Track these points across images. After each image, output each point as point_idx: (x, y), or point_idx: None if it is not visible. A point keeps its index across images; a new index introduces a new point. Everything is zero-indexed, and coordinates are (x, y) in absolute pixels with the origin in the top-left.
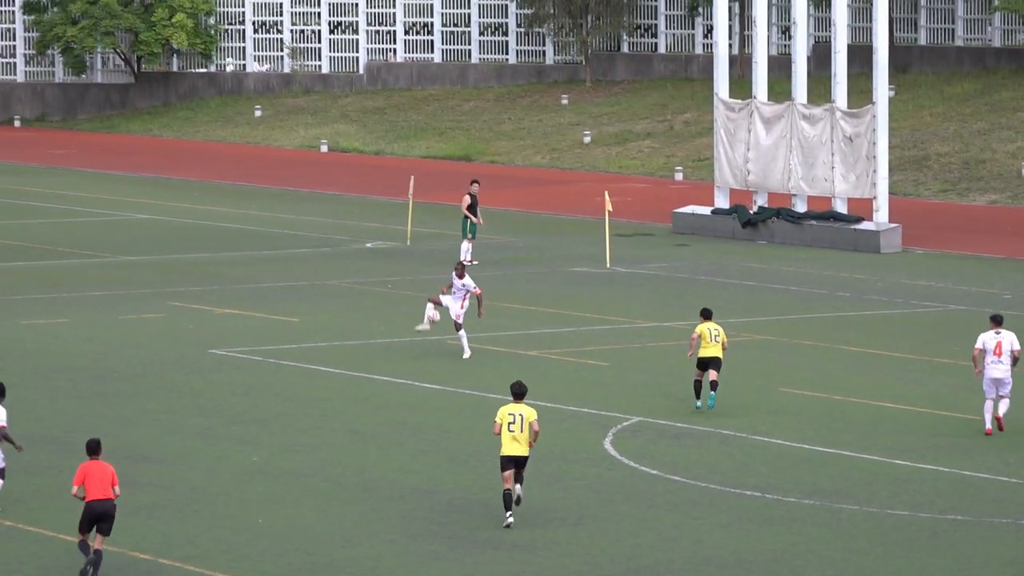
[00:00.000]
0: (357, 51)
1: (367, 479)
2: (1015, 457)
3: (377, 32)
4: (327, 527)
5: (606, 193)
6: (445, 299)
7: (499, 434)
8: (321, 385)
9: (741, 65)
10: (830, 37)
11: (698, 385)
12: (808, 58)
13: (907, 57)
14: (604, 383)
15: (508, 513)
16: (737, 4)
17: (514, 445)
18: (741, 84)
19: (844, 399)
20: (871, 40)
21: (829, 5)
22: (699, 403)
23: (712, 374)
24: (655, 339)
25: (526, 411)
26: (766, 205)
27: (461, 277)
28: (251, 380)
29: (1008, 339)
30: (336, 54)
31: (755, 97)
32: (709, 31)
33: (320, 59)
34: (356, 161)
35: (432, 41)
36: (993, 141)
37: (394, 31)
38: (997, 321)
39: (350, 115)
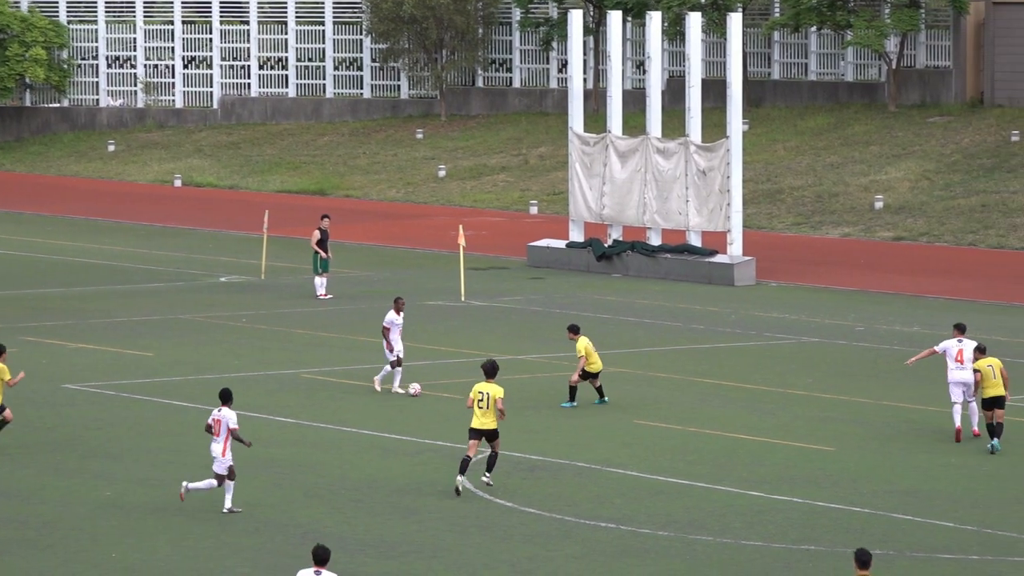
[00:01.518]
0: (211, 86)
1: (221, 513)
2: (867, 487)
3: (231, 67)
4: (181, 561)
5: (460, 227)
6: (395, 339)
7: (471, 407)
8: (175, 419)
9: (596, 99)
10: (684, 71)
11: (573, 391)
12: (663, 92)
13: (761, 91)
14: (459, 416)
15: (460, 477)
16: (591, 39)
17: (480, 420)
18: (596, 118)
19: (698, 431)
20: (725, 74)
21: (683, 40)
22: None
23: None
24: (510, 372)
25: (493, 389)
26: (621, 239)
27: (400, 312)
28: (104, 414)
29: (969, 347)
30: (190, 89)
31: (610, 131)
32: (563, 65)
33: (174, 94)
34: (210, 196)
35: (286, 76)
36: (846, 175)
37: (248, 66)
38: (961, 329)
39: (204, 149)
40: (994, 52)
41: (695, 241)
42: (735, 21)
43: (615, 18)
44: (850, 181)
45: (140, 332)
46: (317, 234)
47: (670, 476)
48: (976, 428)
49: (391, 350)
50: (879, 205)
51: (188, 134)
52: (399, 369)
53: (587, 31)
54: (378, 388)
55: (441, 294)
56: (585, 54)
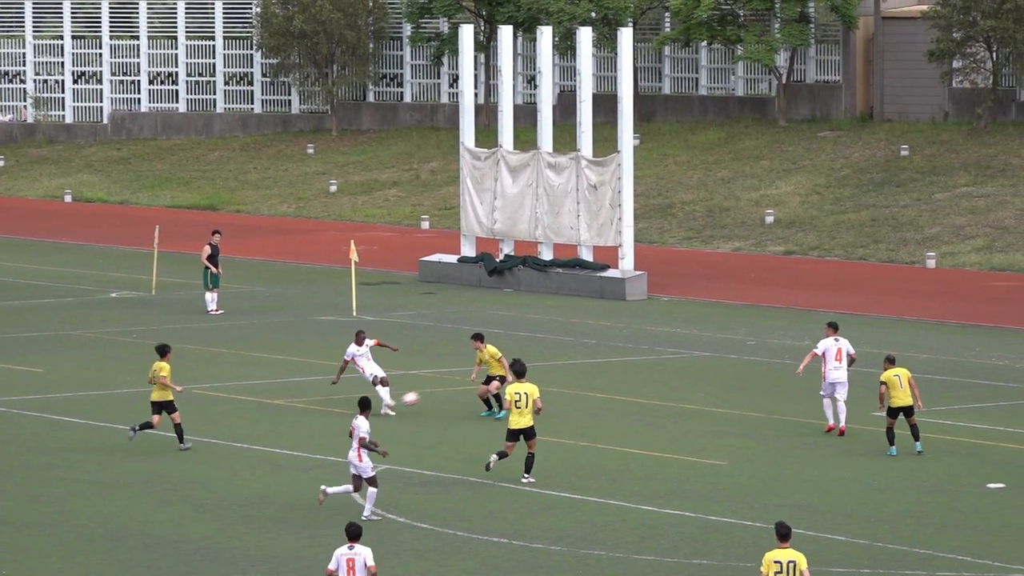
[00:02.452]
0: (101, 101)
1: (112, 529)
2: (759, 501)
3: (121, 82)
4: None
5: (351, 242)
6: (363, 364)
7: (509, 409)
8: (66, 435)
9: (487, 114)
10: (575, 86)
11: (486, 399)
12: (554, 107)
13: (652, 106)
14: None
15: (495, 456)
16: (483, 54)
17: (519, 419)
18: (487, 133)
19: (590, 445)
20: (616, 89)
21: (574, 54)
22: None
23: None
24: (402, 387)
25: (529, 389)
26: (512, 253)
27: (361, 344)
28: None
29: (845, 345)
30: (80, 104)
31: (501, 146)
32: (454, 80)
33: (64, 109)
34: (100, 211)
35: (177, 91)
36: (737, 189)
37: (138, 81)
38: (834, 328)
39: (94, 165)
40: (883, 67)
41: (587, 256)
42: (625, 36)
43: (506, 33)
44: (741, 195)
45: (30, 348)
46: (208, 249)
47: (562, 491)
48: (842, 424)
49: (366, 373)
50: (770, 219)
51: (78, 149)
52: (386, 388)
53: (478, 46)
54: (391, 412)
55: (332, 309)
56: (476, 69)
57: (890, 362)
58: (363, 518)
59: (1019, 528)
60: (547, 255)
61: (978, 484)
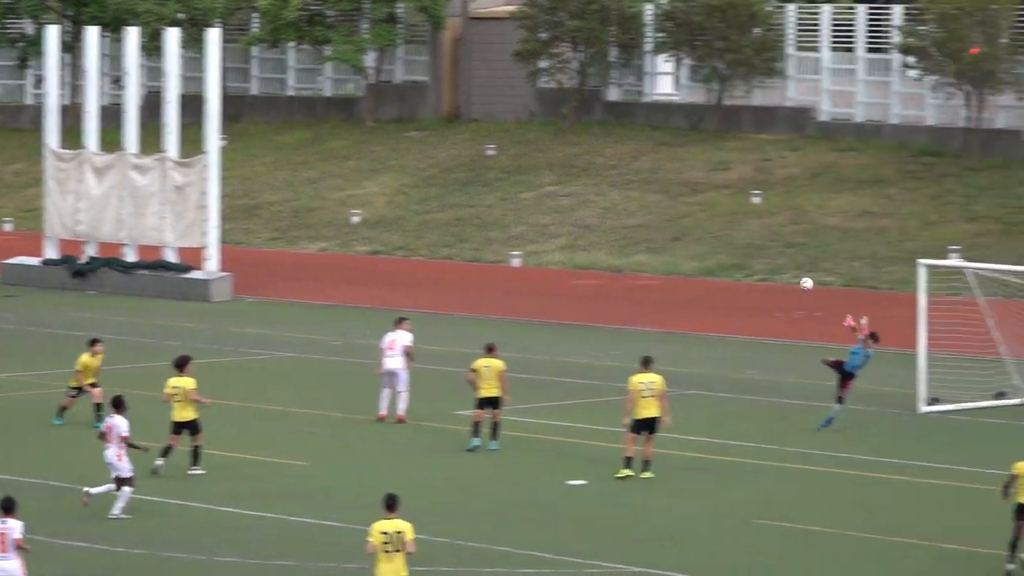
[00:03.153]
0: None
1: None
2: (341, 502)
3: None
4: None
5: None
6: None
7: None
8: None
9: (73, 115)
10: (162, 87)
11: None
12: (141, 108)
13: (239, 107)
14: None
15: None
16: (69, 55)
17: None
18: (73, 134)
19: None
20: (203, 90)
21: (161, 55)
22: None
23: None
24: None
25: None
26: (97, 255)
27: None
28: None
29: (400, 336)
30: None
31: (86, 147)
32: (39, 81)
33: None
34: None
35: None
36: (323, 189)
37: None
38: (398, 322)
39: None
40: (471, 67)
41: (172, 257)
42: (212, 36)
43: (92, 34)
44: (328, 196)
45: None
46: None
47: (142, 494)
48: (399, 413)
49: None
50: (356, 220)
51: None
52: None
53: (65, 47)
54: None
55: None
56: (62, 70)
57: (489, 351)
58: (111, 516)
59: (599, 524)
60: (131, 257)
61: (559, 481)
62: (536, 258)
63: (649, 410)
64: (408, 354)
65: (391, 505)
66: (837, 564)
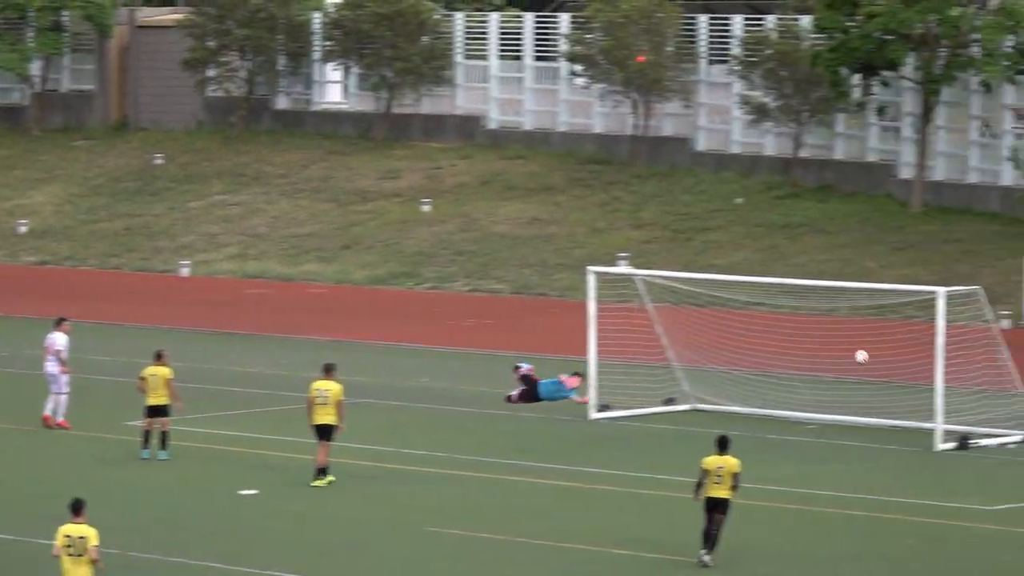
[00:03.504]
0: None
1: None
2: (14, 512)
3: None
4: None
5: None
6: None
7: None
8: None
9: None
10: None
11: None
12: None
13: None
14: None
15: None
16: None
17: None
18: None
19: None
20: None
21: None
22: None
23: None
24: None
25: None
26: None
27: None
28: None
29: (55, 340)
30: None
31: None
32: None
33: None
34: None
35: None
36: None
37: None
38: (57, 323)
39: None
40: (139, 76)
41: None
42: None
43: None
44: None
45: None
46: None
47: None
48: (59, 419)
49: None
50: (23, 229)
51: None
52: None
53: None
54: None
55: None
56: None
57: (157, 358)
58: None
59: (273, 532)
60: None
61: (231, 490)
62: (206, 267)
63: (324, 417)
64: (59, 357)
65: (77, 509)
66: (511, 570)
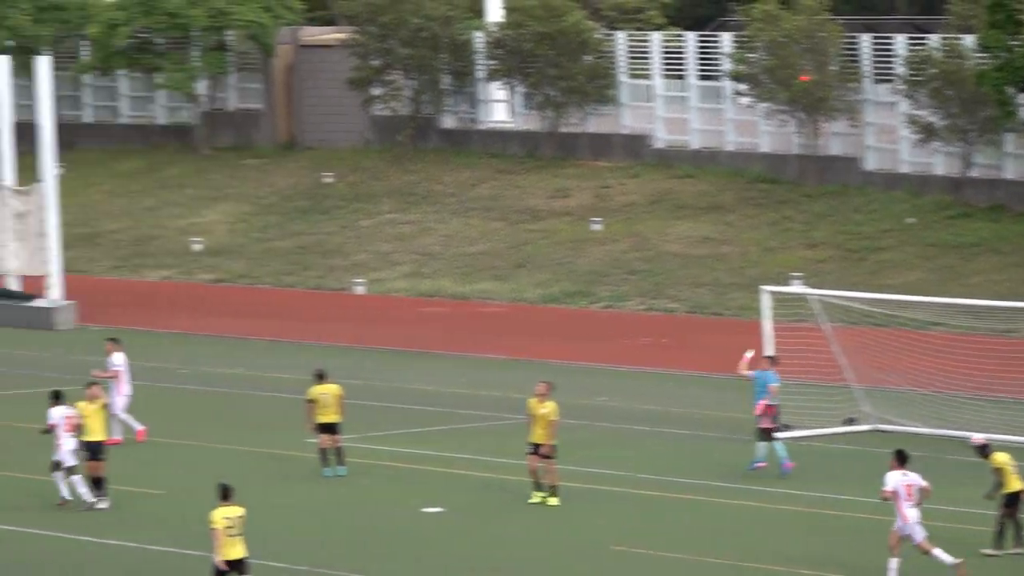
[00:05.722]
0: None
1: None
2: (197, 530)
3: None
4: None
5: None
6: None
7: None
8: None
9: None
10: None
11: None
12: None
13: (73, 134)
14: None
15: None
16: None
17: (327, 415)
18: None
19: (28, 476)
20: (36, 118)
21: None
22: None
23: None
24: None
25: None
26: None
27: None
28: None
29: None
30: None
31: None
32: None
33: None
34: None
35: None
36: (163, 217)
37: None
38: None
39: None
40: (304, 95)
41: (15, 286)
42: (43, 64)
43: None
44: (167, 224)
45: None
46: None
47: None
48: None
49: None
50: (198, 247)
51: None
52: None
53: None
54: None
55: None
56: None
57: (319, 378)
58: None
59: (455, 551)
60: None
61: (414, 508)
62: (380, 285)
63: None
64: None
65: (227, 494)
66: None
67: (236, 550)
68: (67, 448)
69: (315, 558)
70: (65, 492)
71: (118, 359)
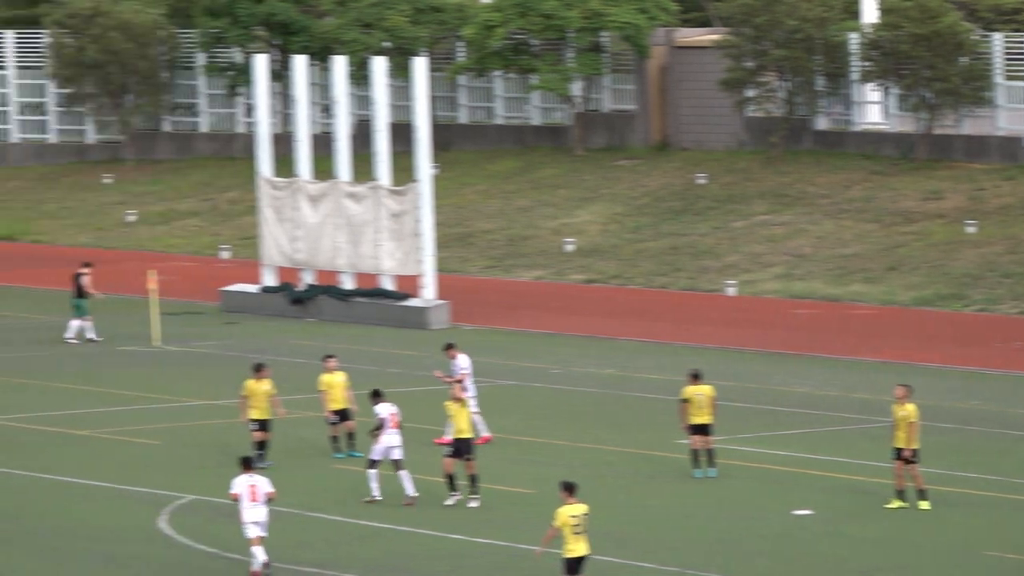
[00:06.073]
0: None
1: None
2: None
3: None
4: None
5: (149, 272)
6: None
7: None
8: None
9: (284, 143)
10: (371, 115)
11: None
12: (353, 136)
13: (448, 135)
14: (156, 462)
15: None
16: (277, 83)
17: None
18: (285, 162)
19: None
20: (412, 118)
21: (368, 83)
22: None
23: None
24: (206, 417)
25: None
26: (314, 283)
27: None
28: None
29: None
30: None
31: (299, 175)
32: (251, 110)
33: None
34: None
35: None
36: (536, 218)
37: None
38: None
39: None
40: (678, 96)
41: (388, 285)
42: (419, 65)
43: (300, 63)
44: (540, 224)
45: None
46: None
47: (370, 520)
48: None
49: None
50: (570, 248)
51: None
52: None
53: (274, 75)
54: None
55: (134, 339)
56: (272, 98)
57: (694, 378)
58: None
59: (826, 555)
60: (349, 284)
61: (784, 510)
62: (751, 287)
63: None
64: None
65: (572, 489)
66: None
67: (581, 547)
68: (389, 444)
69: (684, 559)
70: (376, 491)
71: (464, 361)
